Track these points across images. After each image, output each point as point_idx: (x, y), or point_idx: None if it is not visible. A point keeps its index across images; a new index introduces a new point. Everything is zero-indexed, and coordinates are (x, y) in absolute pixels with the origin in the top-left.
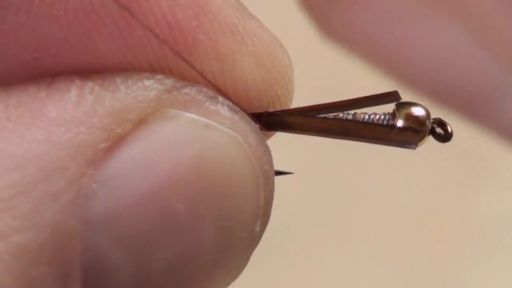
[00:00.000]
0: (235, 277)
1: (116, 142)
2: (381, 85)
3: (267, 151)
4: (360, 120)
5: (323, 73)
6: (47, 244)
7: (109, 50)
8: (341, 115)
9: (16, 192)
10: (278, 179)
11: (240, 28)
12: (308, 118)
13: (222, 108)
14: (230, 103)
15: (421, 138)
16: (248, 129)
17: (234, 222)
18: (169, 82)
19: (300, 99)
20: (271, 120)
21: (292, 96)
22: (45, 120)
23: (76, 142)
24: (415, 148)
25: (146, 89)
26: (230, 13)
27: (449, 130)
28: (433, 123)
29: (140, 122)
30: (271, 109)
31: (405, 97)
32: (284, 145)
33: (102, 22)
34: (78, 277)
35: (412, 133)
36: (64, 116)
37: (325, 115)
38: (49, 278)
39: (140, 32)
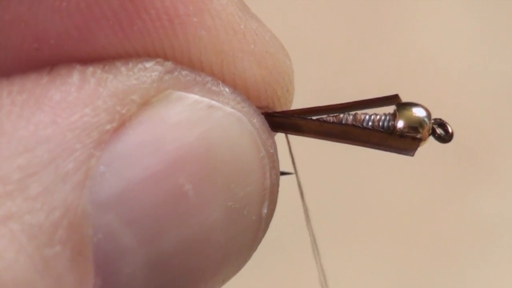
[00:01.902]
0: (244, 262)
1: (122, 123)
2: (383, 87)
3: (271, 135)
4: (361, 120)
5: (325, 74)
6: (60, 224)
7: (109, 42)
8: (341, 115)
9: (26, 174)
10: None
11: (242, 27)
12: (306, 120)
13: (224, 89)
14: (230, 84)
15: (418, 146)
16: (252, 110)
17: (242, 203)
18: (169, 64)
19: (301, 100)
20: (269, 121)
21: (292, 97)
22: (49, 104)
23: (82, 124)
24: (412, 155)
25: (147, 70)
26: (233, 11)
27: (450, 130)
28: (433, 123)
29: (145, 104)
30: (270, 110)
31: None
32: (283, 146)
33: (103, 14)
34: (91, 258)
35: (410, 140)
36: (68, 99)
37: (324, 116)
38: (63, 258)
39: (140, 25)
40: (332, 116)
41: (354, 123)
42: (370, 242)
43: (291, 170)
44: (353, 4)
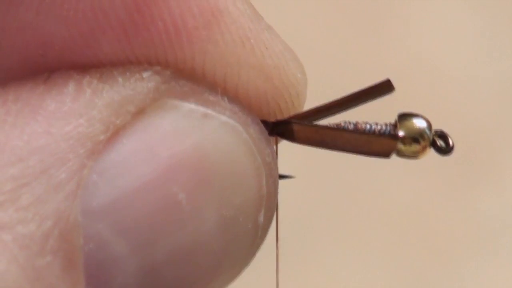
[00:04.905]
0: (241, 270)
1: (115, 133)
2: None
3: (269, 144)
4: (362, 129)
5: (324, 75)
6: (51, 234)
7: (113, 50)
8: (342, 123)
9: (19, 184)
10: (279, 182)
11: (251, 41)
12: (303, 126)
13: (222, 99)
14: (230, 95)
15: (394, 148)
16: (249, 120)
17: (237, 212)
18: (167, 73)
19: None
20: (270, 129)
21: (298, 110)
22: (44, 114)
23: (76, 134)
24: (388, 157)
25: (144, 80)
26: (244, 24)
27: (450, 143)
28: (434, 135)
29: (139, 113)
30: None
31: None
32: (285, 149)
33: (109, 24)
34: (82, 267)
35: (388, 140)
36: (63, 109)
37: (326, 124)
38: (54, 267)
39: (146, 36)
40: (333, 124)
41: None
42: (369, 242)
43: (291, 173)
44: (352, 5)
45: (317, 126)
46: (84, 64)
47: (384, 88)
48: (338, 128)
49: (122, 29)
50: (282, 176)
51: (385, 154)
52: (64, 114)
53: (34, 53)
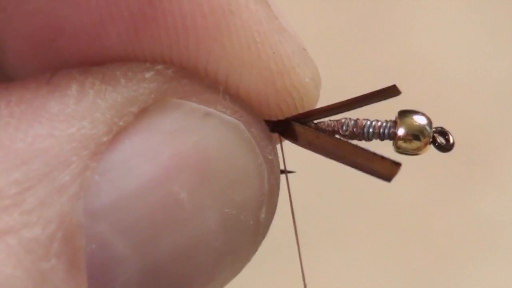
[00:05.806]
0: (242, 266)
1: (118, 134)
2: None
3: (271, 142)
4: (362, 126)
5: (323, 75)
6: (55, 237)
7: (120, 41)
8: (343, 120)
9: (23, 188)
10: (289, 179)
11: (258, 45)
12: (304, 129)
13: (224, 98)
14: (232, 93)
15: (396, 172)
16: (251, 118)
17: (239, 209)
18: (168, 72)
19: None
20: (272, 128)
21: (301, 111)
22: (47, 116)
23: (79, 136)
24: (389, 181)
25: (146, 81)
26: (253, 26)
27: (451, 140)
28: (434, 132)
29: (141, 113)
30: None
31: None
32: (285, 144)
33: (120, 14)
34: (84, 268)
35: (391, 164)
36: (66, 111)
37: (327, 119)
38: (59, 270)
39: (154, 30)
40: (334, 121)
41: (355, 128)
42: (369, 241)
43: (292, 168)
44: (352, 5)
45: (318, 131)
46: (91, 54)
47: (390, 92)
48: (340, 139)
49: (132, 20)
50: (282, 171)
51: (386, 177)
52: (67, 116)
53: (46, 37)
